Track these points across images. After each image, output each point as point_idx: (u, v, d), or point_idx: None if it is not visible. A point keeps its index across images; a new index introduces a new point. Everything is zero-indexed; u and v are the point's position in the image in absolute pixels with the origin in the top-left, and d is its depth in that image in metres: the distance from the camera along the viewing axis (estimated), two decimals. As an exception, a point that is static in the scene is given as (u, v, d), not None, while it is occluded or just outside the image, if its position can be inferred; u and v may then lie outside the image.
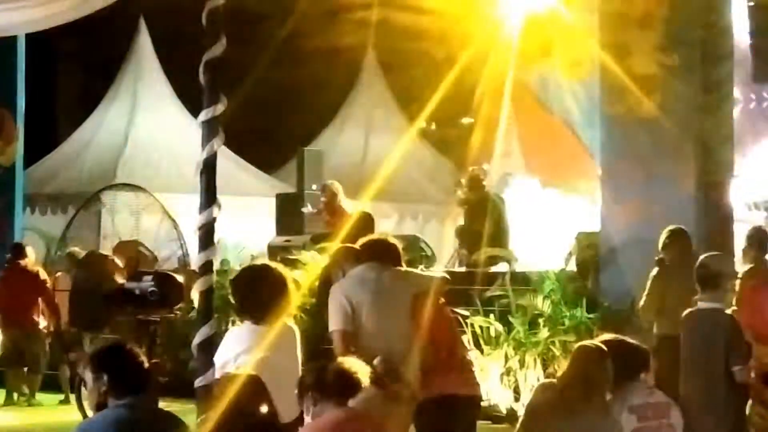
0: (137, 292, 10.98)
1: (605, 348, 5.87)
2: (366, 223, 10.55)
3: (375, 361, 6.60)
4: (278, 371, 6.06)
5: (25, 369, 14.24)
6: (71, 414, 12.97)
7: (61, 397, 14.18)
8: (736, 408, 7.20)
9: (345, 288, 7.08)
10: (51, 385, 14.42)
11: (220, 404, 5.42)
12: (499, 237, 14.77)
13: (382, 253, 7.12)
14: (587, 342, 7.18)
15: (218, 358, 6.20)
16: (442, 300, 7.21)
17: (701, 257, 7.70)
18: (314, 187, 17.88)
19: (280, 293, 6.58)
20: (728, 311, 7.38)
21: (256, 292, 6.42)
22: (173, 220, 17.38)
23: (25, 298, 14.04)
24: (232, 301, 6.46)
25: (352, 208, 15.35)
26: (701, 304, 7.38)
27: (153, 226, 18.26)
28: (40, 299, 14.12)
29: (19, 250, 14.54)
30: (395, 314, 6.90)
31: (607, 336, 6.29)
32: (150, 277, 11.13)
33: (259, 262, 6.88)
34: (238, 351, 6.26)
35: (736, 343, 7.23)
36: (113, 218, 18.45)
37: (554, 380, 5.94)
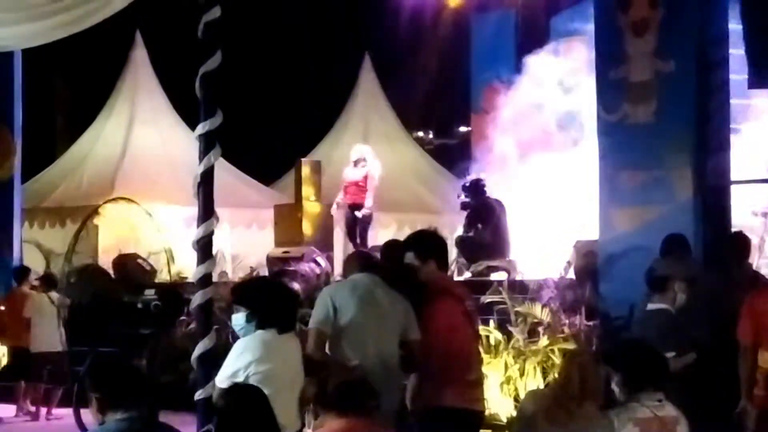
0: (139, 305, 11.01)
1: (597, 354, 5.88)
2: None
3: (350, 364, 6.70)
4: (286, 382, 6.09)
5: None
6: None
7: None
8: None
9: (334, 290, 7.17)
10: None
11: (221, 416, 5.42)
12: (498, 244, 14.72)
13: (387, 270, 7.16)
14: (578, 348, 7.24)
15: (229, 367, 6.24)
16: (472, 313, 7.35)
17: (652, 262, 7.95)
18: (312, 198, 17.90)
19: (292, 304, 6.70)
20: (673, 311, 7.52)
21: (272, 301, 6.48)
22: (158, 231, 17.36)
23: None
24: (241, 309, 6.48)
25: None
26: (650, 306, 7.55)
27: (149, 239, 18.24)
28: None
29: None
30: (380, 324, 6.95)
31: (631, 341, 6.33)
32: (152, 291, 11.16)
33: (265, 274, 6.93)
34: (250, 360, 6.31)
35: (670, 334, 7.33)
36: (110, 232, 18.45)
37: (544, 388, 5.89)
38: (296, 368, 6.53)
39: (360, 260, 7.31)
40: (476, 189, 15.02)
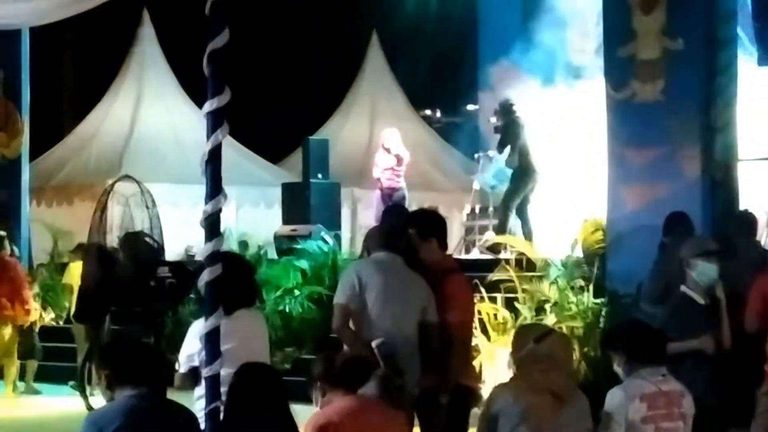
0: (152, 283, 10.99)
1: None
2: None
3: (374, 343, 6.68)
4: (245, 361, 5.98)
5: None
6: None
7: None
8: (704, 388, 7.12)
9: (359, 266, 7.15)
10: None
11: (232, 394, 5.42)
12: (525, 166, 14.98)
13: (407, 250, 7.16)
14: (534, 326, 7.27)
15: (186, 350, 6.18)
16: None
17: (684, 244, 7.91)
18: (320, 176, 17.89)
19: (246, 282, 6.59)
20: (688, 293, 7.49)
21: (223, 282, 6.25)
22: (149, 209, 17.37)
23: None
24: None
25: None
26: (682, 288, 7.55)
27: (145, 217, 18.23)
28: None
29: None
30: (403, 302, 6.94)
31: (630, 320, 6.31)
32: (166, 269, 11.13)
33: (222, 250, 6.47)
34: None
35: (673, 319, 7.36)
36: (114, 210, 18.45)
37: (512, 382, 5.65)
38: (255, 346, 6.41)
39: (382, 237, 7.27)
40: (505, 109, 15.38)
